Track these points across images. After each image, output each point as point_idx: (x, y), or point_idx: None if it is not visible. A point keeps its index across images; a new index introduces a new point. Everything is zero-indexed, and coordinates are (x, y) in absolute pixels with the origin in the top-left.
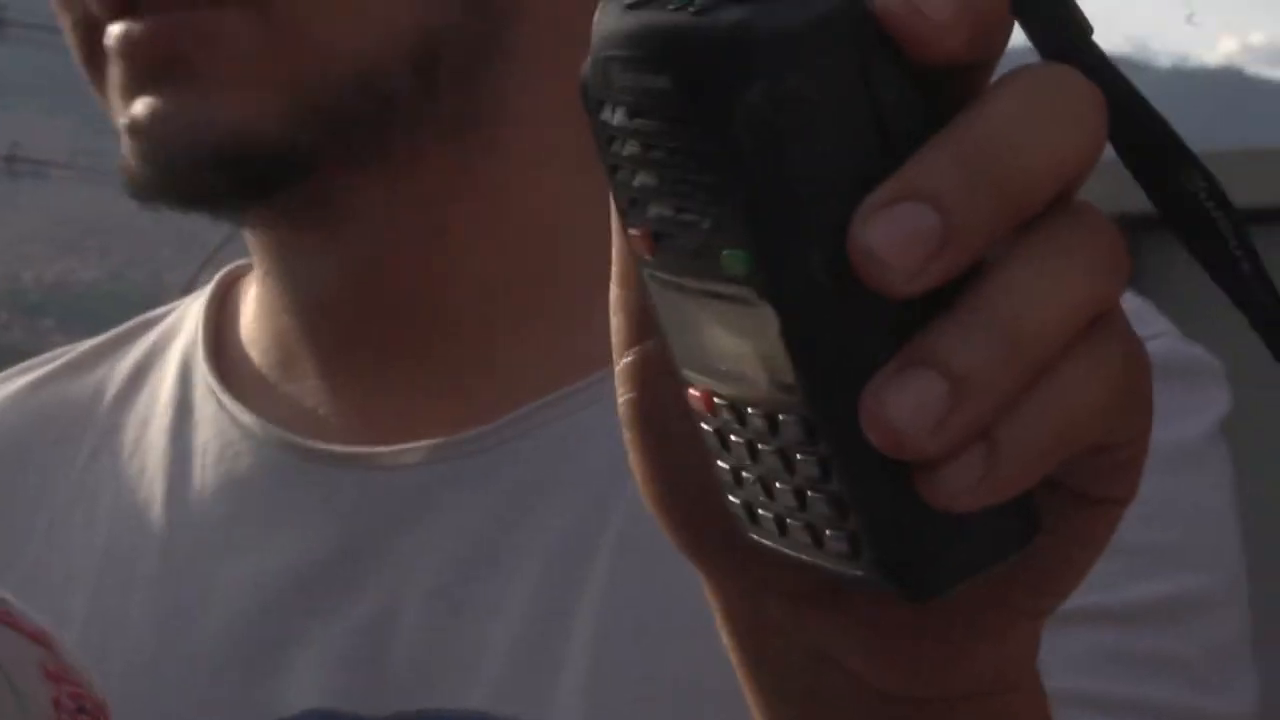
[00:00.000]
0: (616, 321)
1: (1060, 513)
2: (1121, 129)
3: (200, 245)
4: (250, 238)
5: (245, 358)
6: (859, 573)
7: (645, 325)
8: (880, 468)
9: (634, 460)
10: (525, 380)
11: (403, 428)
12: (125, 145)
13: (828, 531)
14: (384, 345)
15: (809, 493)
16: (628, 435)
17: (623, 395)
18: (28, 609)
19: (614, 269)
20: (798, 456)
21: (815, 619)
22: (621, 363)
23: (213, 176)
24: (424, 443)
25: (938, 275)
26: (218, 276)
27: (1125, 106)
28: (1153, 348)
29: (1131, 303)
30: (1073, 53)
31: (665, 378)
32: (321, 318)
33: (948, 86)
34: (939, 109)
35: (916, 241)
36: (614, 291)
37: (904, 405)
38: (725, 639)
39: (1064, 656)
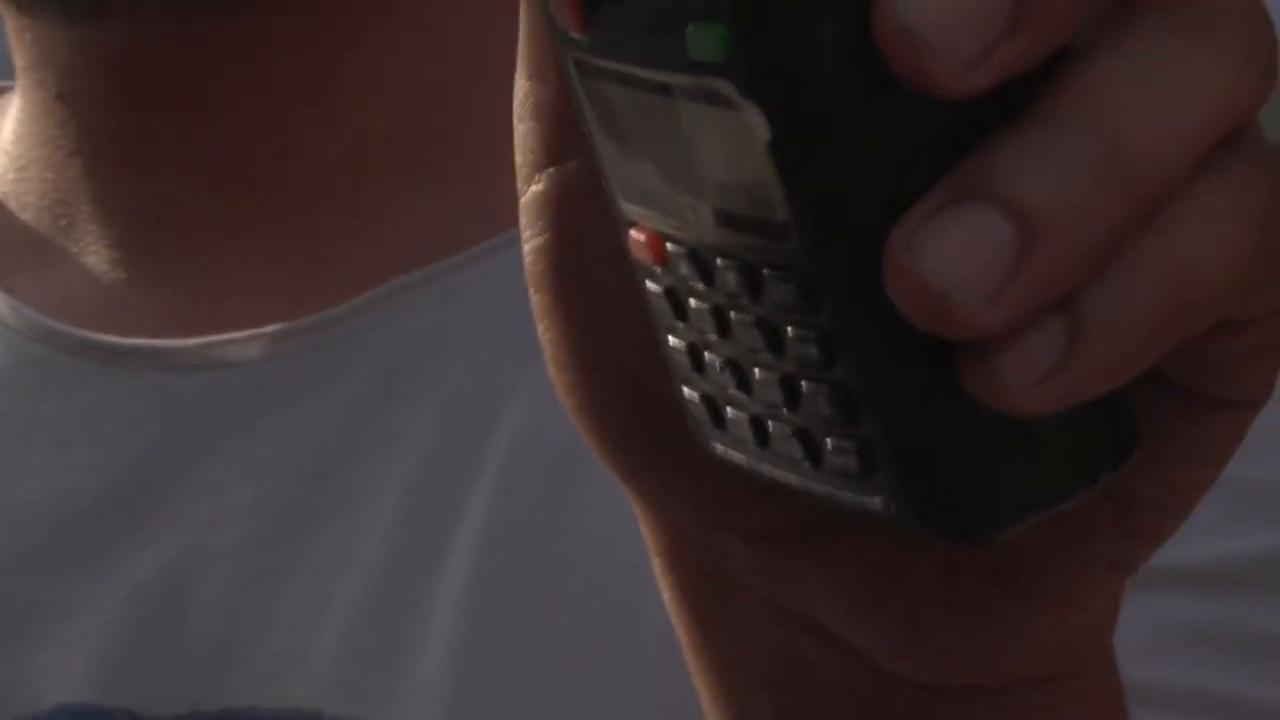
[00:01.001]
0: (524, 131)
1: (1163, 419)
2: None
3: None
4: (30, 48)
5: (7, 216)
6: (873, 502)
7: (565, 138)
8: (911, 349)
9: (544, 334)
10: (401, 253)
11: (235, 313)
12: None
13: (829, 441)
14: (217, 201)
15: (804, 383)
16: (536, 297)
17: (530, 239)
18: None
19: (522, 51)
20: (790, 330)
21: (792, 570)
22: (529, 191)
23: None
24: (261, 330)
25: (1006, 65)
26: None
27: None
28: None
29: None
30: None
31: (593, 213)
32: (132, 160)
33: None
34: None
35: (978, 13)
36: (521, 86)
37: (950, 255)
38: (666, 595)
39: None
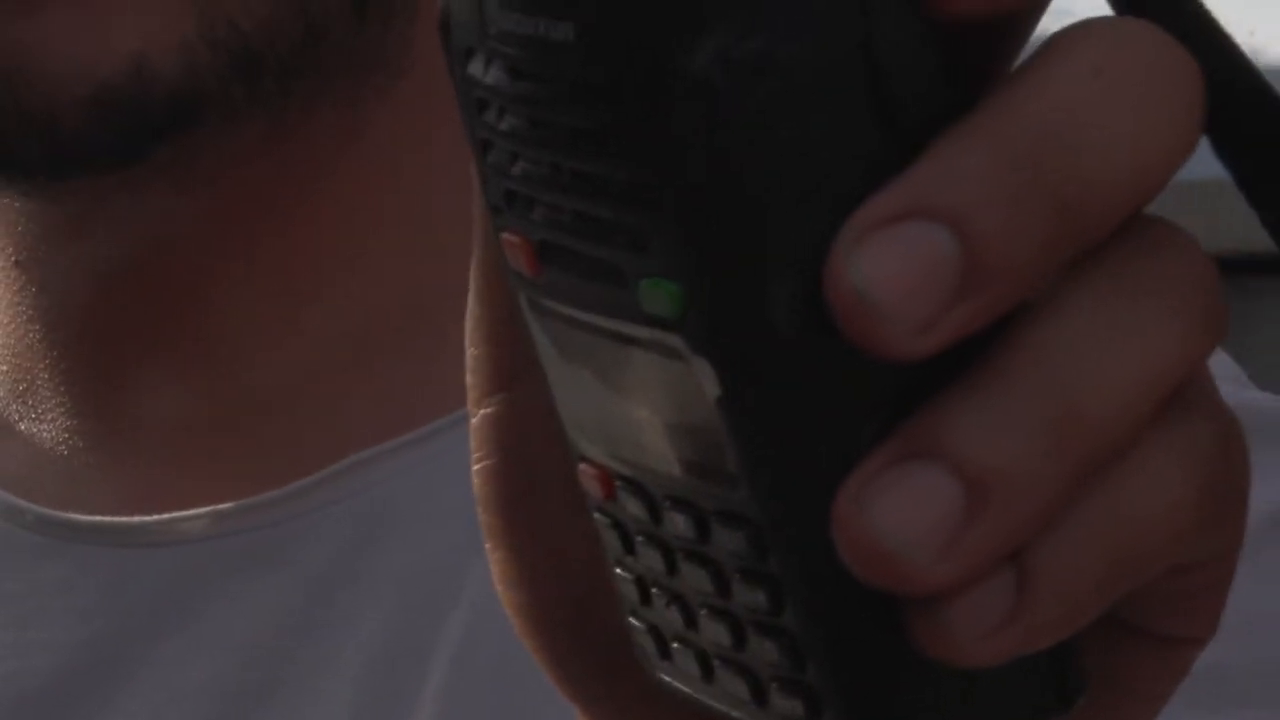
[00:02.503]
0: (476, 355)
1: (1112, 656)
2: (1224, 118)
3: None
4: None
5: None
6: None
7: (516, 363)
8: (858, 601)
9: (493, 554)
10: (356, 428)
11: (191, 488)
12: None
13: (775, 684)
14: (173, 372)
15: (750, 627)
16: (484, 518)
17: (479, 460)
18: None
19: (474, 278)
20: (736, 575)
21: None
22: (479, 414)
23: (98, 125)
24: (217, 507)
25: (956, 329)
26: None
27: (1230, 85)
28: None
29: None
30: (1158, 4)
31: (544, 438)
32: (88, 329)
33: (975, 52)
34: (963, 84)
35: (929, 279)
36: (473, 311)
37: (898, 514)
38: None
39: None
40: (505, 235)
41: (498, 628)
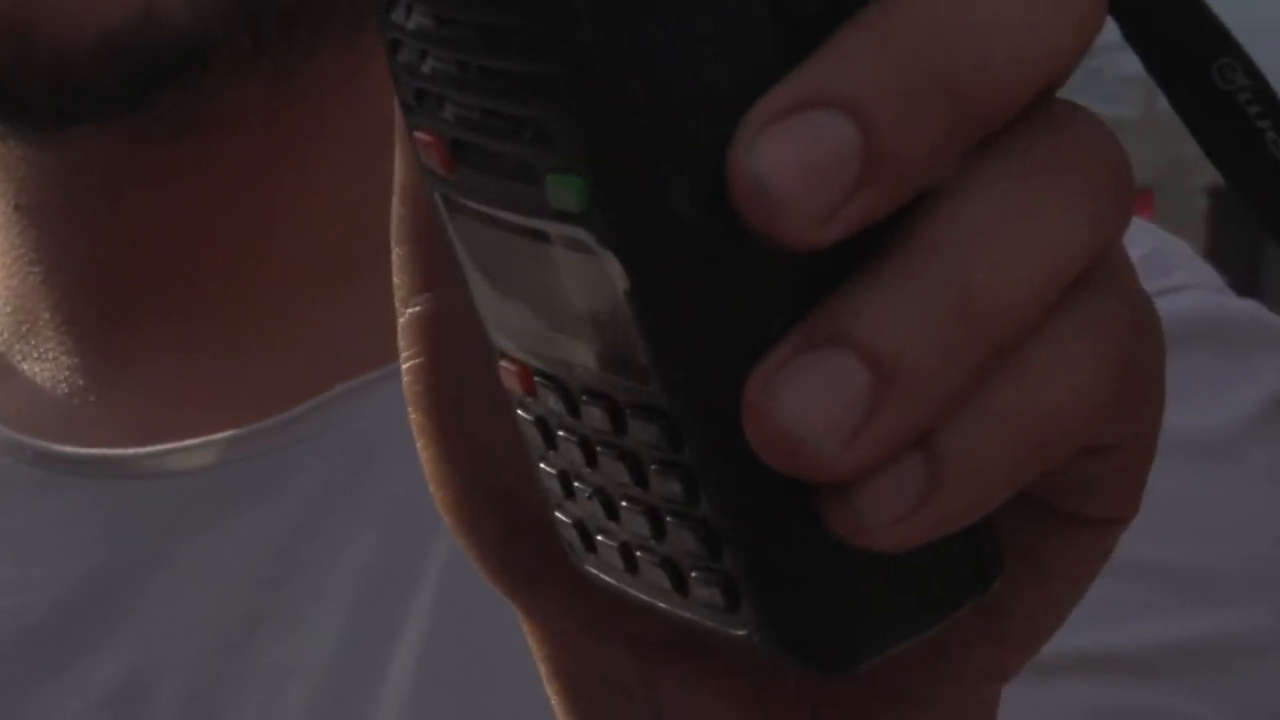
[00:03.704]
0: (400, 255)
1: (1032, 537)
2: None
3: None
4: None
5: None
6: (737, 631)
7: (440, 263)
8: (770, 488)
9: (423, 452)
10: (346, 359)
11: (188, 420)
12: None
13: (694, 573)
14: (169, 309)
15: (668, 517)
16: (414, 417)
17: (408, 360)
18: None
19: (397, 178)
20: (653, 466)
21: (675, 677)
22: (406, 314)
23: (106, 72)
24: (211, 438)
25: (857, 218)
26: None
27: None
28: (1175, 304)
29: (1145, 243)
30: None
31: (468, 337)
32: (88, 270)
33: None
34: None
35: (828, 168)
36: (396, 211)
37: (806, 401)
38: (554, 704)
39: (1031, 717)
40: (418, 134)
41: None
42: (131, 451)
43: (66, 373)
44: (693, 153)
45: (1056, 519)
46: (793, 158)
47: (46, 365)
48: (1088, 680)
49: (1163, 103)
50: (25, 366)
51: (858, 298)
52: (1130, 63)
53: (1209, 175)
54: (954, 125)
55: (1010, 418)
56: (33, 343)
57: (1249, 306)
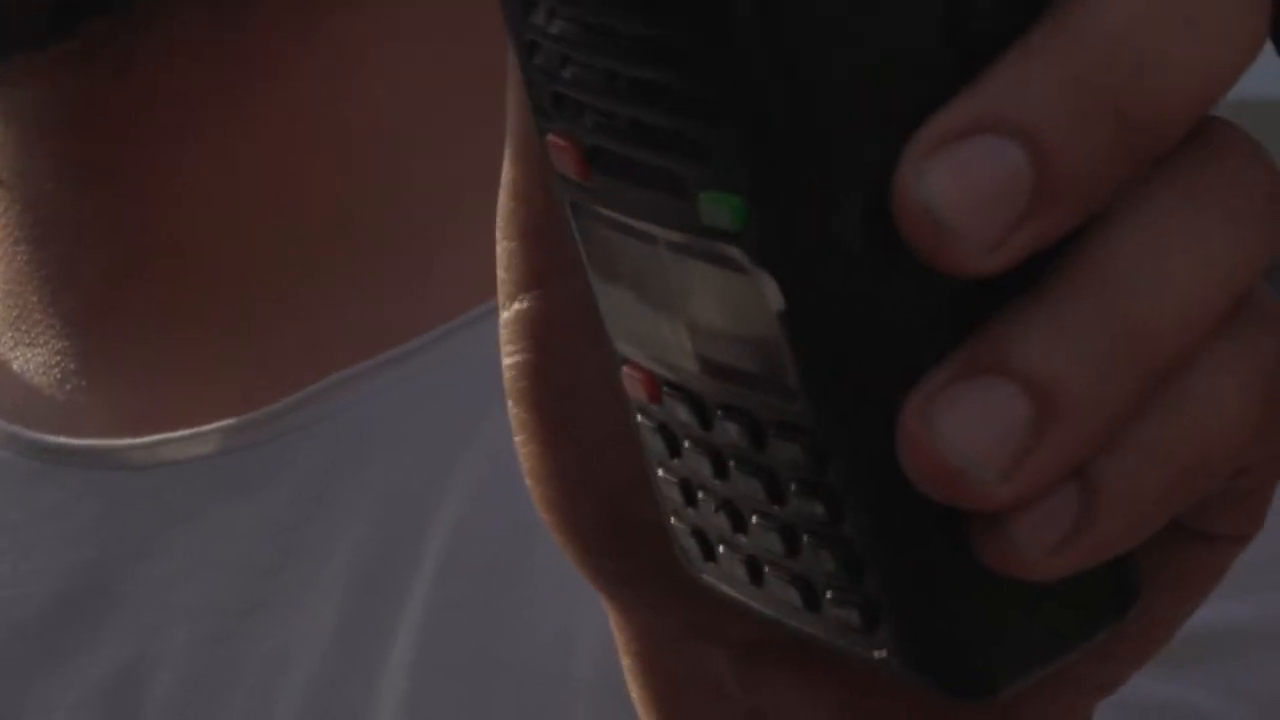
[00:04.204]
0: (508, 249)
1: (1159, 555)
2: None
3: None
4: None
5: None
6: (873, 654)
7: (551, 259)
8: (920, 515)
9: (523, 448)
10: (339, 347)
11: (181, 409)
12: None
13: (829, 594)
14: (158, 289)
15: (805, 536)
16: (515, 412)
17: (512, 355)
18: None
19: (508, 173)
20: (792, 485)
21: (775, 681)
22: (513, 309)
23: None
24: (204, 428)
25: (1026, 246)
26: None
27: None
28: None
29: None
30: None
31: (579, 335)
32: (73, 246)
33: None
34: None
35: (999, 196)
36: (506, 205)
37: (965, 430)
38: (639, 703)
39: None
40: (551, 138)
41: (479, 542)
42: (125, 442)
43: (58, 358)
44: (858, 175)
45: (1184, 536)
46: (962, 184)
47: (37, 352)
48: None
49: None
50: (17, 354)
51: (1020, 325)
52: None
53: None
54: (1126, 151)
55: (1166, 448)
56: (22, 328)
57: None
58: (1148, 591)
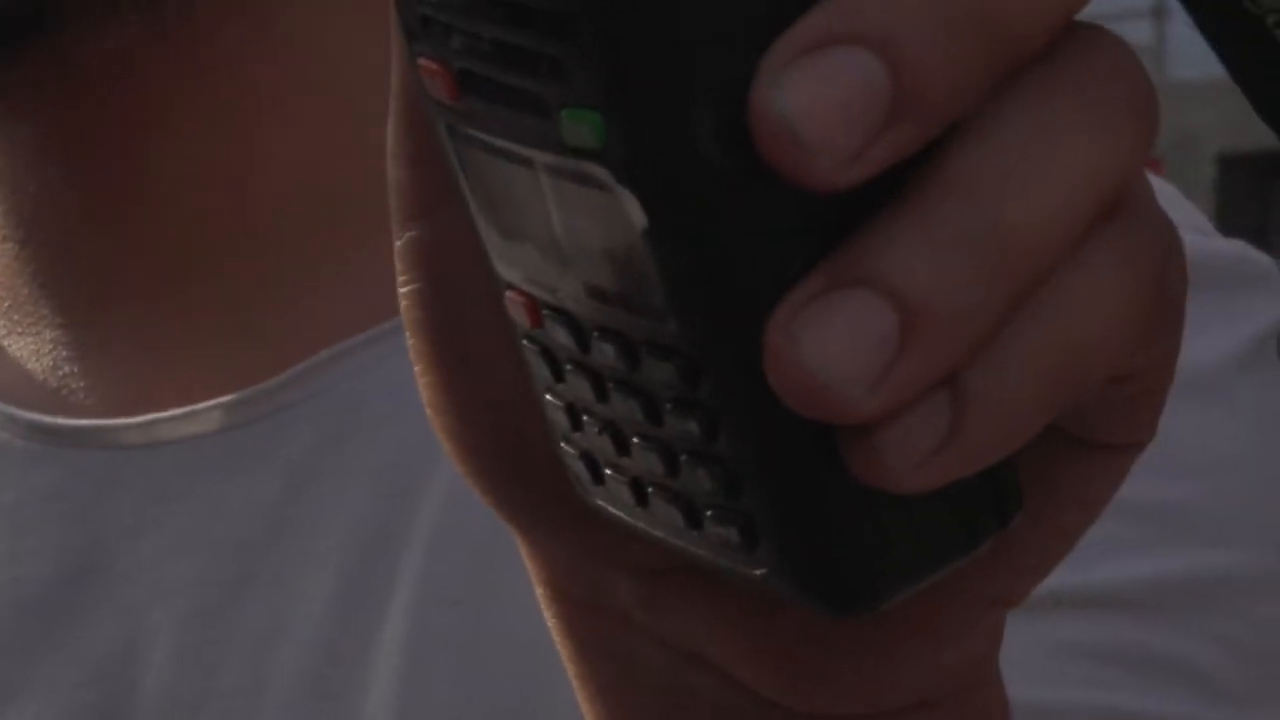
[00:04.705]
0: (397, 178)
1: (1047, 463)
2: None
3: None
4: None
5: None
6: (754, 571)
7: (439, 188)
8: (790, 428)
9: (421, 378)
10: (328, 324)
11: (173, 388)
12: None
13: (709, 511)
14: (146, 275)
15: (683, 456)
16: (412, 342)
17: (405, 284)
18: None
19: (393, 101)
20: (668, 405)
21: (678, 604)
22: (404, 238)
23: None
24: (197, 407)
25: (885, 157)
26: None
27: None
28: (1203, 250)
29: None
30: None
31: (468, 262)
32: (59, 240)
33: None
34: None
35: (856, 107)
36: (393, 134)
37: (830, 344)
38: (552, 630)
39: (1021, 654)
40: (422, 61)
41: (470, 515)
42: (120, 421)
43: (50, 345)
44: (714, 90)
45: (1072, 445)
46: (818, 97)
47: (31, 339)
48: (1072, 617)
49: (1174, 72)
50: (10, 342)
51: (883, 237)
52: (1139, 31)
53: (1218, 144)
54: (986, 60)
55: (1038, 354)
56: (15, 318)
57: (1236, 247)
58: (1041, 503)
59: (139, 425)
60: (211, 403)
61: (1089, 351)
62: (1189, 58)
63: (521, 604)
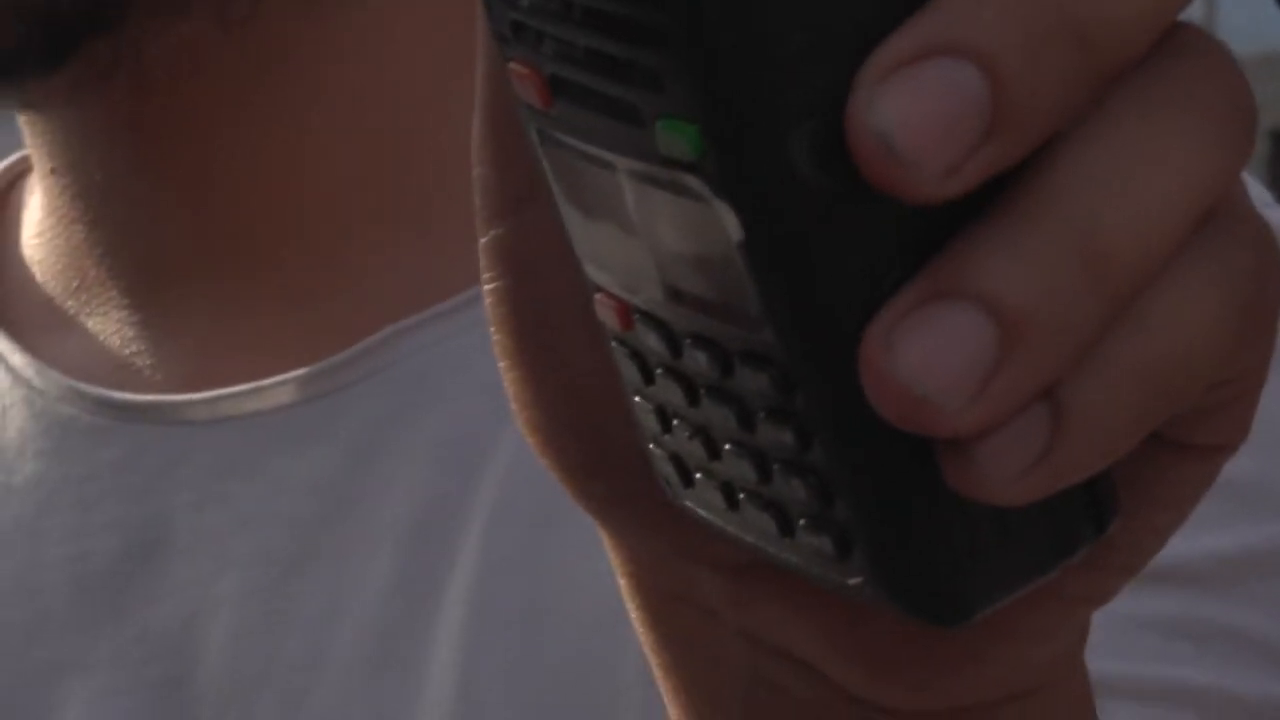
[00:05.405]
0: (483, 176)
1: (1140, 466)
2: None
3: None
4: (27, 127)
5: (28, 283)
6: (847, 581)
7: (525, 185)
8: (888, 441)
9: (506, 373)
10: (393, 300)
11: (239, 365)
12: None
13: (802, 521)
14: (210, 255)
15: (775, 465)
16: (497, 338)
17: (491, 281)
18: None
19: (479, 98)
20: (761, 414)
21: (764, 601)
22: (490, 235)
23: (18, 29)
24: (262, 383)
25: (983, 171)
26: None
27: None
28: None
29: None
30: None
31: (555, 260)
32: (125, 221)
33: None
34: None
35: (954, 121)
36: (478, 131)
37: (928, 356)
38: (635, 621)
39: (1102, 629)
40: (513, 65)
41: (530, 489)
42: (186, 397)
43: (117, 325)
44: (811, 102)
45: (1166, 446)
46: (916, 110)
47: (99, 319)
48: (1140, 592)
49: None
50: (80, 319)
51: (981, 248)
52: (1191, 11)
53: (1271, 119)
54: (1084, 72)
55: (1135, 367)
56: (83, 298)
57: None
58: (1135, 504)
59: (205, 401)
60: (277, 379)
61: (1188, 361)
62: (1241, 31)
63: (581, 577)
